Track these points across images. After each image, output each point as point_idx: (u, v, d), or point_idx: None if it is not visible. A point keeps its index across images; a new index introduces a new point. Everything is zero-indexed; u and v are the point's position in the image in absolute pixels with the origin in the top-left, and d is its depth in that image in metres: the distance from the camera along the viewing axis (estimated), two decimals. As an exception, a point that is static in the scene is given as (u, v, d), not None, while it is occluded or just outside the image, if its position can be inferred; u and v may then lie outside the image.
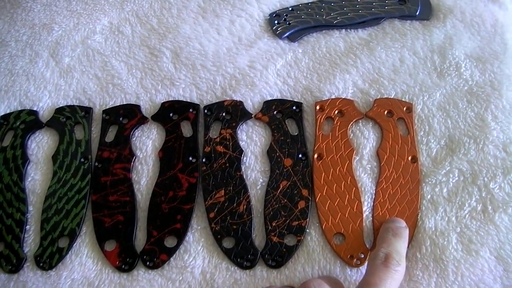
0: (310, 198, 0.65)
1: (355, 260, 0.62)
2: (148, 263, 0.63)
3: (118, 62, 0.80)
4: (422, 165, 0.68)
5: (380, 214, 0.65)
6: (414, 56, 0.77)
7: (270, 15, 0.83)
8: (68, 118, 0.74)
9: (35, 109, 0.76)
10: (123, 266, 0.63)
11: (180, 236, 0.64)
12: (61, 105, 0.76)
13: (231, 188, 0.67)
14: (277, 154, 0.69)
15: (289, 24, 0.81)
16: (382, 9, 0.82)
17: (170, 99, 0.75)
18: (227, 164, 0.68)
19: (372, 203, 0.66)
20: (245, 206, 0.65)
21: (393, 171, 0.67)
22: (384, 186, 0.66)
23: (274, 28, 0.81)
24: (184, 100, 0.75)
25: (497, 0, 0.82)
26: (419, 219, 0.64)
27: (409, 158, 0.68)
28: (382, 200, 0.65)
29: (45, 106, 0.76)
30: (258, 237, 0.64)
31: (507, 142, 0.68)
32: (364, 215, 0.65)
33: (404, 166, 0.67)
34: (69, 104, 0.76)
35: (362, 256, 0.62)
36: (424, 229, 0.63)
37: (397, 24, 0.81)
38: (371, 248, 0.62)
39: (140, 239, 0.65)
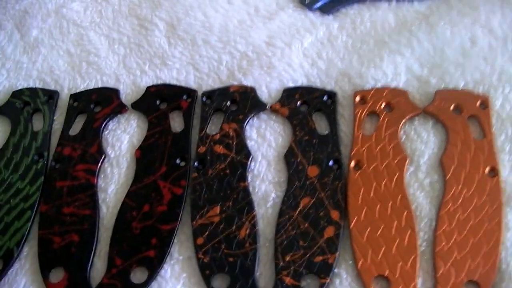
0: (341, 224, 0.54)
1: (404, 317, 0.50)
2: (104, 304, 0.52)
3: (97, 35, 0.72)
4: (505, 181, 0.56)
5: (445, 249, 0.52)
6: (490, 36, 0.67)
7: (297, -21, 0.74)
8: (26, 103, 0.66)
9: (-13, 91, 0.69)
10: (70, 307, 0.52)
11: (153, 268, 0.53)
12: (20, 87, 0.68)
13: (230, 204, 0.56)
14: (299, 159, 0.58)
15: (321, -9, 0.73)
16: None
17: (159, 83, 0.67)
18: (228, 171, 0.58)
19: (432, 234, 0.54)
20: (248, 231, 0.54)
21: (464, 188, 0.55)
22: (451, 210, 0.54)
23: (302, -5, 0.74)
24: (178, 84, 0.67)
25: None
26: (502, 259, 0.52)
27: (486, 170, 0.56)
28: (447, 229, 0.53)
29: (0, 88, 0.69)
30: (264, 277, 0.53)
31: None
32: (420, 251, 0.53)
33: (480, 181, 0.55)
34: (30, 86, 0.69)
35: (416, 311, 0.50)
36: (510, 275, 0.51)
37: (467, -5, 0.72)
38: (429, 301, 0.50)
39: (98, 268, 0.55)
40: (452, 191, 0.55)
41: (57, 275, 0.53)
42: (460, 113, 0.60)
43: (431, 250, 0.52)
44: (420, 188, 0.56)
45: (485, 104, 0.60)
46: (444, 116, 0.60)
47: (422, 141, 0.59)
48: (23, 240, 0.55)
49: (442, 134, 0.59)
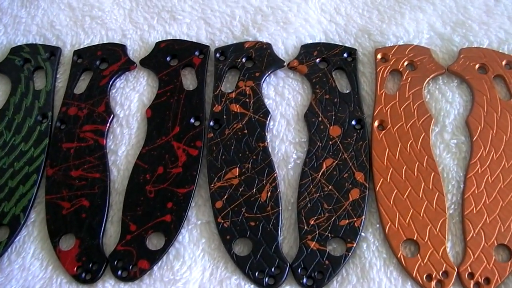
0: (367, 186, 0.53)
1: (434, 282, 0.49)
2: (120, 272, 0.51)
3: (101, -13, 0.69)
4: (533, 143, 0.55)
5: (474, 212, 0.51)
6: (514, -6, 0.65)
7: None
8: (26, 61, 0.64)
9: (-17, 48, 0.67)
10: (83, 275, 0.51)
11: (170, 233, 0.52)
12: (19, 44, 0.66)
13: (249, 165, 0.54)
14: (320, 119, 0.56)
15: None
16: None
17: (168, 38, 0.65)
18: (246, 131, 0.56)
19: (460, 196, 0.53)
20: (269, 194, 0.53)
21: (491, 149, 0.55)
22: (479, 171, 0.53)
23: None
24: (188, 40, 0.65)
25: None
26: (532, 222, 0.51)
27: (515, 131, 0.55)
28: (476, 192, 0.52)
29: (-3, 44, 0.67)
30: (288, 241, 0.53)
31: None
32: (448, 214, 0.52)
33: (508, 142, 0.55)
34: (30, 42, 0.66)
35: (446, 276, 0.49)
36: (541, 238, 0.51)
37: (491, -49, 0.70)
38: (458, 266, 0.50)
39: (111, 235, 0.54)
40: (480, 153, 0.54)
41: (67, 242, 0.53)
42: (485, 73, 0.59)
43: (460, 213, 0.51)
44: (447, 149, 0.55)
45: (511, 64, 0.59)
46: (469, 76, 0.58)
47: (447, 101, 0.58)
48: (30, 206, 0.55)
49: (467, 94, 0.59)
